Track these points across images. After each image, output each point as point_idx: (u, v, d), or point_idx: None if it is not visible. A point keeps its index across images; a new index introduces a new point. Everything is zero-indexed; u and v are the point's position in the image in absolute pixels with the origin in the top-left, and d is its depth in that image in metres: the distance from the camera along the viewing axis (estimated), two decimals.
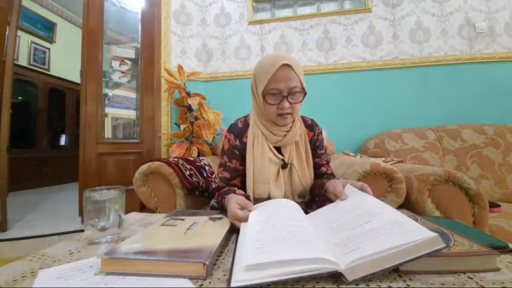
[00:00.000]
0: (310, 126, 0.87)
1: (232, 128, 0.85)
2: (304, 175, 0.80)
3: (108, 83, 2.22)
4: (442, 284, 0.33)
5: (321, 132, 0.89)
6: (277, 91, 0.71)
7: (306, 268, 0.33)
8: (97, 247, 0.50)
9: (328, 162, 0.90)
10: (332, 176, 0.88)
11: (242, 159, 0.82)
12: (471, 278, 0.34)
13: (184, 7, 2.28)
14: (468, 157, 1.63)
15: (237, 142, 0.82)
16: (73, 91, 4.17)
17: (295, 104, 0.73)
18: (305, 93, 0.74)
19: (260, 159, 0.78)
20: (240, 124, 0.85)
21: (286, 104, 0.71)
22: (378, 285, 0.34)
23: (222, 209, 0.70)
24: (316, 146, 0.86)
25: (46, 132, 3.83)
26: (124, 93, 2.35)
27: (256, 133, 0.80)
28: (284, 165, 0.79)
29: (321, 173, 0.87)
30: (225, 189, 0.75)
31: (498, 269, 0.36)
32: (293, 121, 0.79)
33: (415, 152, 1.69)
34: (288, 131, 0.78)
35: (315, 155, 0.86)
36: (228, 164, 0.82)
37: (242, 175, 0.83)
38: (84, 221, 0.54)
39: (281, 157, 0.80)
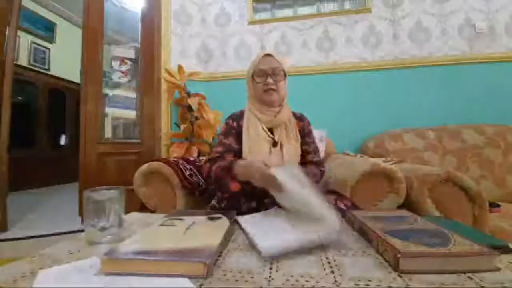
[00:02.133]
0: (300, 117, 1.01)
1: (231, 115, 0.99)
2: (291, 155, 0.89)
3: (108, 83, 2.21)
4: (442, 284, 0.33)
5: (309, 124, 1.02)
6: (262, 71, 0.90)
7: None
8: (97, 247, 0.50)
9: (315, 150, 0.99)
10: (319, 164, 0.97)
11: (238, 136, 0.92)
12: (471, 278, 0.34)
13: (184, 7, 2.28)
14: (468, 157, 1.63)
15: (235, 124, 0.95)
16: (73, 91, 4.16)
17: (278, 82, 0.89)
18: (285, 74, 0.91)
19: (254, 137, 0.89)
20: (238, 112, 1.00)
21: (270, 80, 0.88)
22: (378, 285, 0.34)
23: (227, 175, 0.79)
24: (305, 133, 0.98)
25: (46, 132, 3.83)
26: (124, 93, 2.34)
27: (250, 116, 0.93)
28: (274, 143, 0.89)
29: (308, 160, 0.96)
30: (226, 159, 0.85)
31: (498, 269, 0.36)
32: (280, 103, 0.93)
33: (415, 152, 1.69)
34: (278, 112, 0.91)
35: (304, 142, 0.96)
36: (223, 140, 0.92)
37: (235, 152, 0.90)
38: (84, 221, 0.54)
39: (272, 136, 0.90)
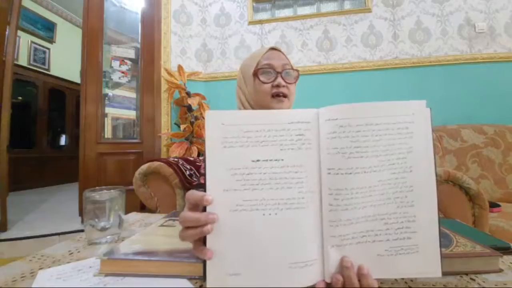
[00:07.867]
0: None
1: None
2: None
3: (108, 83, 2.21)
4: (445, 286, 0.33)
5: None
6: (270, 67, 0.66)
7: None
8: (97, 248, 0.50)
9: None
10: None
11: None
12: (474, 280, 0.34)
13: (184, 7, 2.28)
14: (468, 157, 1.62)
15: None
16: (73, 91, 4.16)
17: (290, 84, 0.66)
18: (298, 73, 0.69)
19: None
20: None
21: (281, 81, 0.64)
22: (380, 286, 0.33)
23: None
24: None
25: (46, 132, 3.83)
26: (124, 93, 2.34)
27: None
28: None
29: None
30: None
31: (500, 270, 0.36)
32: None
33: None
34: None
35: None
36: None
37: None
38: (84, 221, 0.54)
39: None
